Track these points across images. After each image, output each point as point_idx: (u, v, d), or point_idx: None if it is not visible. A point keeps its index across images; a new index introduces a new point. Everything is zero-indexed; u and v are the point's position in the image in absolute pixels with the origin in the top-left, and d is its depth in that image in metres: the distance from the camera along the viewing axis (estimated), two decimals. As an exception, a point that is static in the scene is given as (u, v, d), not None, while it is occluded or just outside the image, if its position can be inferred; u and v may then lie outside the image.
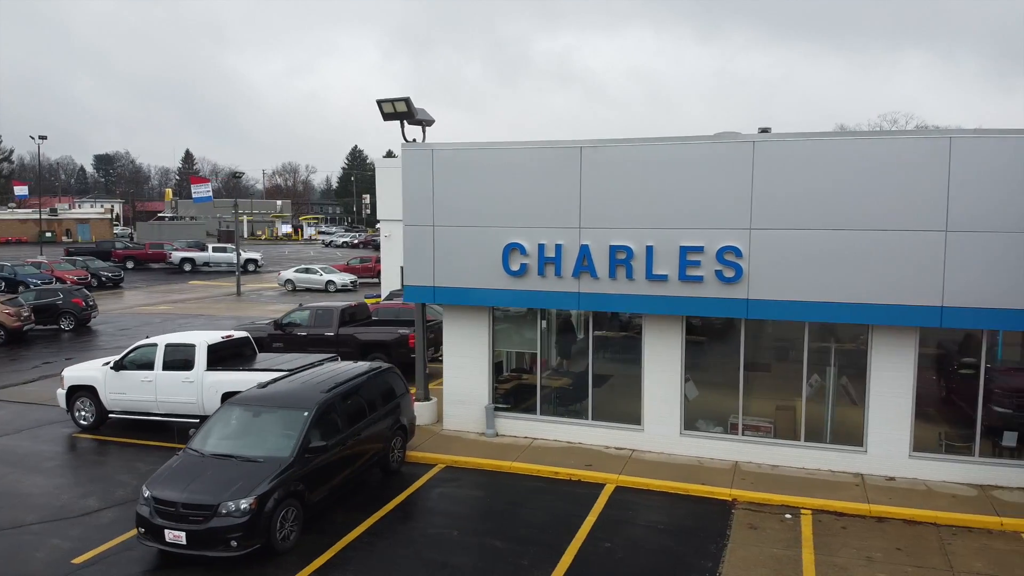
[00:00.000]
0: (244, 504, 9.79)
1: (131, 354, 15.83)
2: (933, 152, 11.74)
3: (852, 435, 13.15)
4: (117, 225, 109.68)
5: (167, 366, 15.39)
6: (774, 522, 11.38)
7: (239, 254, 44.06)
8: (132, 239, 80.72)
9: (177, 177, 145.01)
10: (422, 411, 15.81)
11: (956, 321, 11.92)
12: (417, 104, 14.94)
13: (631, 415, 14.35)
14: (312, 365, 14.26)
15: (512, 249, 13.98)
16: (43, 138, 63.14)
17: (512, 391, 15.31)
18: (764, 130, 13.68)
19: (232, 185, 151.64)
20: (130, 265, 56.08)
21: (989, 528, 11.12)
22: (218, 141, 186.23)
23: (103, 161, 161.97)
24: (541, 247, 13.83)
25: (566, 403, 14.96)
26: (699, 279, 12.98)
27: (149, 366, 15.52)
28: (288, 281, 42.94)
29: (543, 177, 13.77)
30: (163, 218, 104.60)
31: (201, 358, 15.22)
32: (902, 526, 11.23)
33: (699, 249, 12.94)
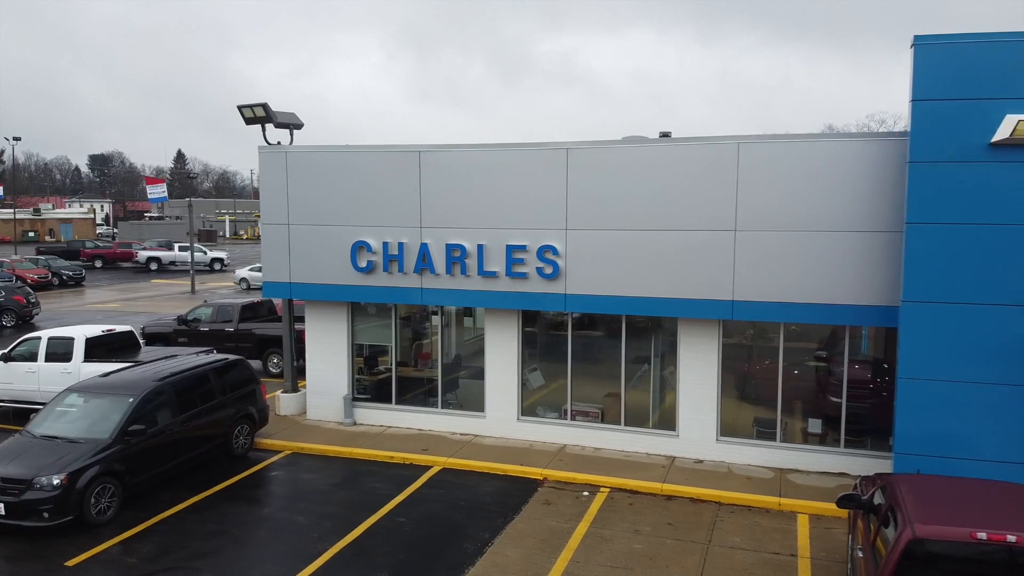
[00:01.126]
0: (56, 480, 10.73)
1: (18, 347, 16.80)
2: (722, 157, 12.63)
3: (669, 421, 14.06)
4: (104, 225, 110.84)
5: (48, 358, 16.36)
6: (570, 499, 12.28)
7: (192, 253, 45.07)
8: (114, 238, 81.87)
9: (169, 177, 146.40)
10: (289, 402, 16.77)
11: (745, 314, 12.80)
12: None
13: (476, 403, 15.27)
14: (171, 356, 15.20)
15: (360, 247, 14.89)
16: (17, 139, 64.21)
17: (375, 383, 16.23)
18: (664, 134, 14.55)
19: (222, 184, 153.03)
20: (98, 264, 57.12)
21: (767, 508, 11.99)
22: (219, 142, 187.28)
23: (97, 161, 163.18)
24: (386, 245, 14.74)
25: (419, 393, 15.88)
26: (524, 275, 13.89)
27: (33, 358, 16.49)
28: (243, 279, 43.89)
29: (387, 179, 14.67)
30: (152, 217, 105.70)
31: (79, 350, 16.19)
32: (687, 504, 12.12)
33: (523, 248, 13.85)
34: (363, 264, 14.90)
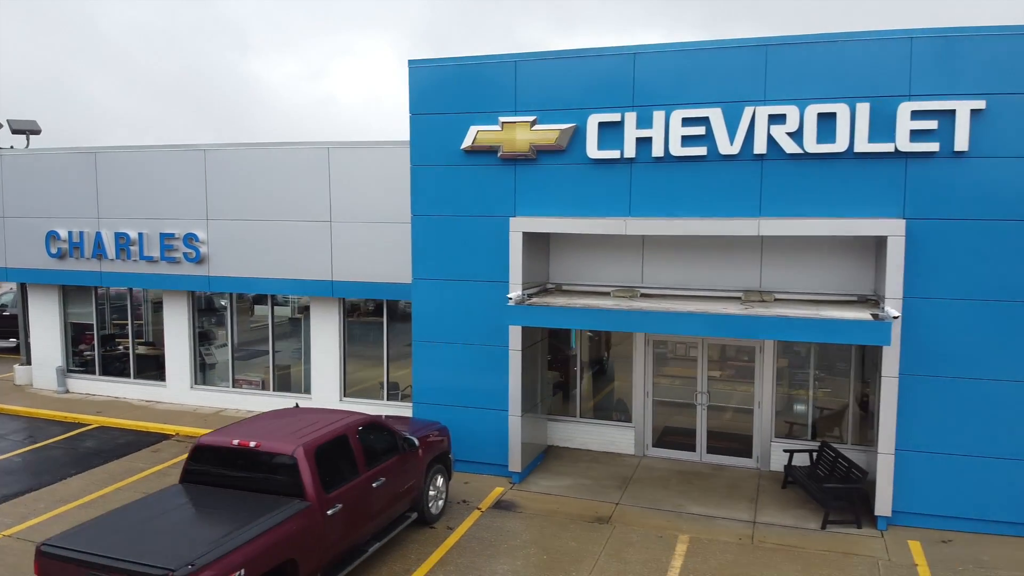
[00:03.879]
0: None
1: None
2: (318, 160, 14.82)
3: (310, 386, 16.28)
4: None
5: None
6: (178, 448, 14.43)
7: None
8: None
9: None
10: (22, 374, 18.98)
11: (343, 292, 15.01)
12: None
13: (162, 375, 17.46)
14: None
15: (52, 236, 17.04)
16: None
17: (85, 357, 18.37)
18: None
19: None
20: None
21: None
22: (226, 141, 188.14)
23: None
24: (70, 234, 16.89)
25: (120, 366, 18.04)
26: (175, 260, 16.07)
27: None
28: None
29: (72, 177, 16.82)
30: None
31: None
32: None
33: (173, 235, 16.03)
34: (54, 251, 17.06)
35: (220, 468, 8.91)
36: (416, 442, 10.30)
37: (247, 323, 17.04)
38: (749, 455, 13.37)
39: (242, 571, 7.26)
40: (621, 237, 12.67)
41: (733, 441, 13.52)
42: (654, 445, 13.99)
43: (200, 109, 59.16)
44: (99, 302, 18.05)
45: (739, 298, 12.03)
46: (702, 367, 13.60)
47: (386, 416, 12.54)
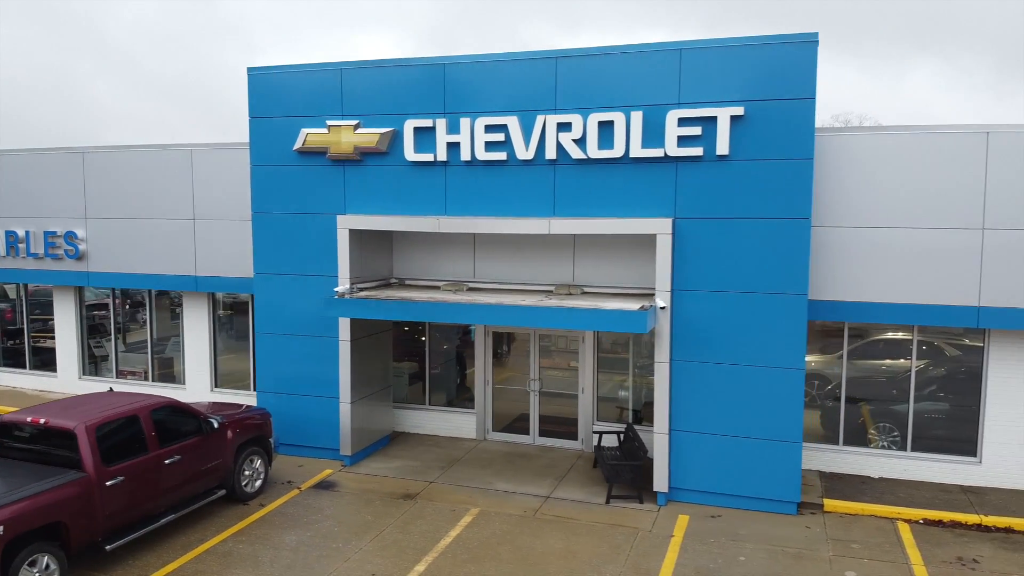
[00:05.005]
0: None
1: None
2: (182, 162, 15.64)
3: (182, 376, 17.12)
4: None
5: None
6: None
7: None
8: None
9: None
10: (-74, 365, 19.75)
11: (207, 287, 15.83)
12: None
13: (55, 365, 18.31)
14: None
15: (-54, 234, 17.86)
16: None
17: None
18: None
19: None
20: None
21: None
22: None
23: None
24: (-37, 232, 17.73)
25: (18, 357, 18.89)
26: (58, 256, 16.89)
27: None
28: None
29: (-33, 177, 17.64)
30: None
31: None
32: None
33: (55, 233, 16.85)
34: (-53, 248, 17.88)
35: (18, 442, 9.81)
36: (216, 424, 11.14)
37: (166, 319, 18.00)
38: (575, 438, 14.27)
39: (0, 528, 8.16)
40: (457, 235, 13.56)
41: (562, 425, 14.41)
42: (494, 430, 14.88)
43: (204, 110, 59.73)
44: (6, 298, 18.89)
45: (551, 291, 12.93)
46: (533, 356, 14.48)
47: (221, 402, 13.44)
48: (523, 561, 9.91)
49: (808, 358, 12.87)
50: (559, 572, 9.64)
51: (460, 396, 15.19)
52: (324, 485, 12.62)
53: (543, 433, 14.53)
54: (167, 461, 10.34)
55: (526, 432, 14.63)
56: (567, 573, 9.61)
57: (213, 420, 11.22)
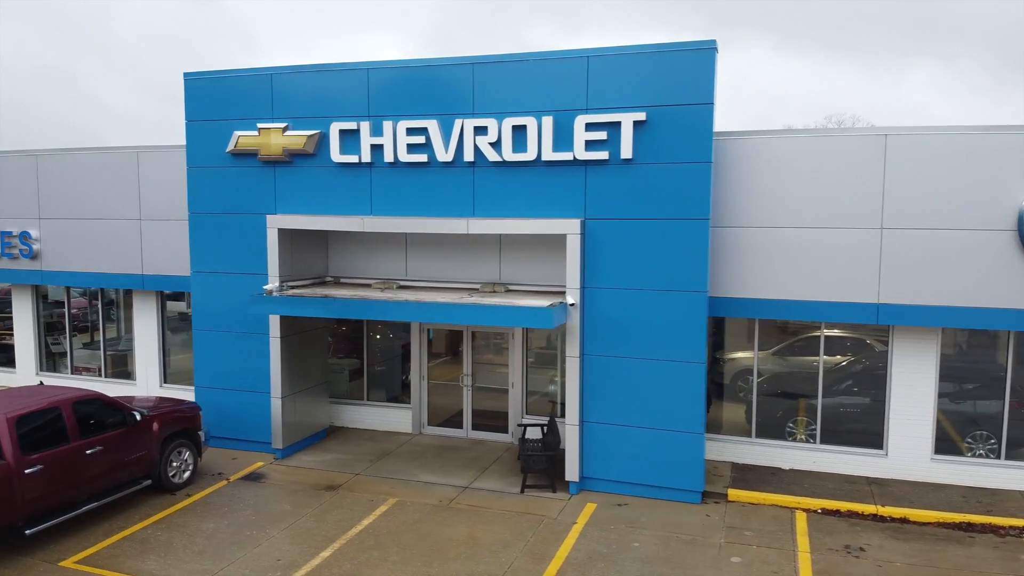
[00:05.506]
0: None
1: None
2: (128, 162, 16.06)
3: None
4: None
5: None
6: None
7: None
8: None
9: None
10: None
11: (152, 285, 16.26)
12: None
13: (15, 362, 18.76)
14: None
15: (-94, 233, 18.31)
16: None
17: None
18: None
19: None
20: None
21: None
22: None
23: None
24: (-78, 232, 18.17)
25: (-21, 353, 19.37)
26: (13, 256, 17.34)
27: None
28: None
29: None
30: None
31: None
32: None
33: (11, 233, 17.30)
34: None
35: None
36: (139, 417, 11.58)
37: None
38: (506, 431, 14.69)
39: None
40: (390, 234, 13.98)
41: (494, 419, 14.84)
42: (430, 424, 15.31)
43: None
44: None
45: (477, 289, 13.36)
46: (467, 353, 14.91)
47: (166, 397, 13.89)
48: (425, 547, 10.33)
49: (745, 354, 13.35)
50: (458, 556, 10.06)
51: (405, 392, 15.59)
52: (253, 477, 13.05)
53: (476, 427, 14.96)
54: (88, 451, 10.77)
55: (460, 426, 15.06)
56: (465, 557, 10.04)
57: (136, 413, 11.64)
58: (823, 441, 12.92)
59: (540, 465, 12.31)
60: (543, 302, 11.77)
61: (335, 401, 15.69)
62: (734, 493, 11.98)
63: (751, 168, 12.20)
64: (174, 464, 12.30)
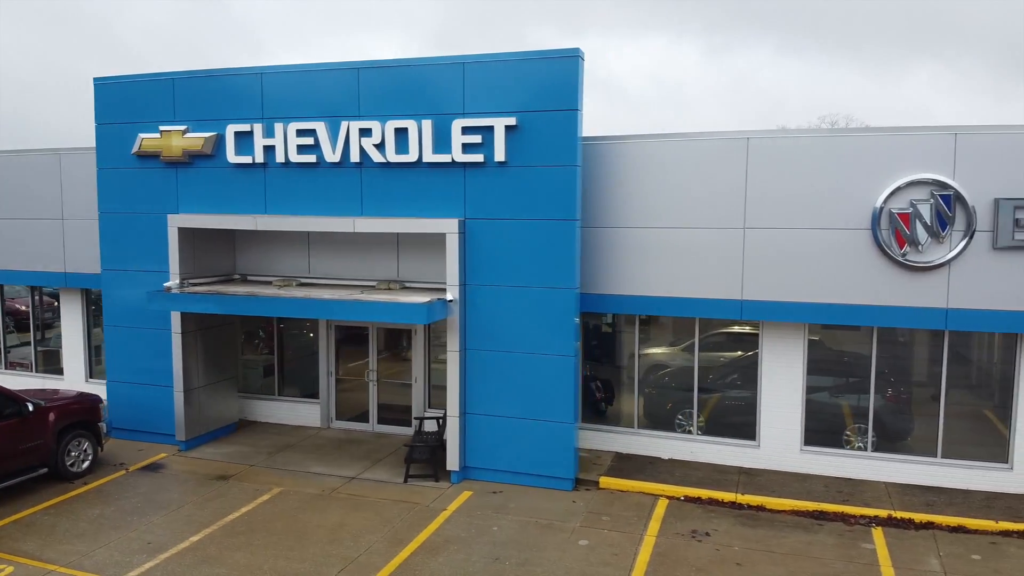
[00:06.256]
0: None
1: None
2: (51, 164, 16.54)
3: (56, 364, 18.02)
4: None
5: None
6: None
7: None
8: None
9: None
10: None
11: (76, 283, 16.72)
12: None
13: (-53, 357, 19.21)
14: None
15: None
16: None
17: None
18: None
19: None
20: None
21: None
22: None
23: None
24: None
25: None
26: (-59, 254, 17.81)
27: None
28: None
29: None
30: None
31: None
32: None
33: (-61, 232, 17.76)
34: None
35: None
36: (31, 408, 12.05)
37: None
38: (410, 424, 15.15)
39: None
40: (294, 233, 14.43)
41: (398, 412, 15.31)
42: (338, 418, 15.78)
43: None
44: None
45: (373, 286, 13.84)
46: (372, 348, 15.38)
47: (83, 391, 14.36)
48: (292, 532, 10.80)
49: (658, 349, 13.80)
50: (319, 541, 10.54)
51: (306, 386, 16.02)
52: (152, 467, 13.53)
53: (381, 421, 15.43)
54: (-24, 441, 11.25)
55: (367, 420, 15.53)
56: (327, 542, 10.51)
57: (30, 404, 12.11)
58: (707, 432, 13.40)
59: (422, 456, 12.78)
60: (423, 298, 12.25)
61: (249, 396, 16.16)
62: (606, 481, 12.47)
63: (627, 171, 12.69)
64: (72, 454, 12.77)
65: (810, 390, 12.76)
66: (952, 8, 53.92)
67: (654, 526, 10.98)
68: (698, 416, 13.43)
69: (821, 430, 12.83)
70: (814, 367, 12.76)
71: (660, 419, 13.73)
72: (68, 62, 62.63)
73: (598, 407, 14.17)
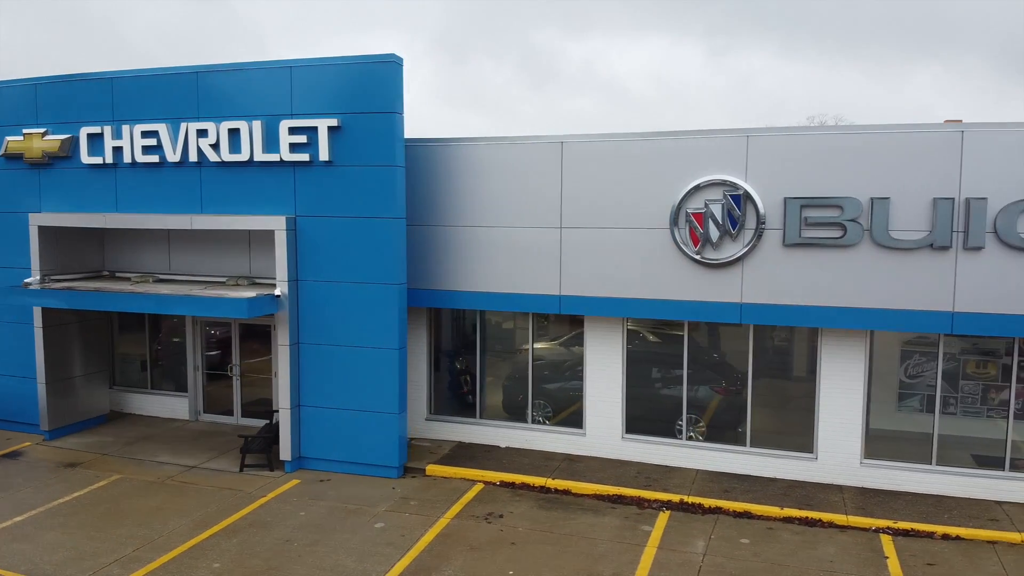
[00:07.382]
0: None
1: None
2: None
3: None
4: None
5: None
6: None
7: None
8: None
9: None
10: None
11: None
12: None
13: None
14: None
15: None
16: None
17: None
18: None
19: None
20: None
21: None
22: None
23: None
24: None
25: None
26: None
27: None
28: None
29: None
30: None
31: None
32: None
33: None
34: None
35: None
36: None
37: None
38: (271, 417, 15.67)
39: None
40: (156, 230, 14.95)
41: (262, 406, 15.82)
42: (206, 411, 16.30)
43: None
44: None
45: (223, 282, 14.35)
46: (235, 343, 15.91)
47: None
48: (110, 515, 11.33)
49: (540, 344, 14.28)
50: (131, 524, 11.06)
51: (178, 380, 16.54)
52: (12, 455, 14.04)
53: (246, 414, 15.95)
54: None
55: (232, 413, 16.05)
56: (137, 524, 11.04)
57: None
58: (550, 422, 13.94)
59: (258, 447, 13.32)
60: (249, 293, 12.79)
61: (125, 389, 16.69)
62: (432, 468, 13.01)
63: (457, 172, 13.25)
64: (-78, 443, 13.29)
65: (633, 381, 13.33)
66: (953, 8, 54.51)
67: (455, 509, 11.52)
68: (549, 407, 13.98)
69: (645, 418, 13.39)
70: (637, 358, 13.32)
71: (510, 410, 14.27)
72: (69, 62, 63.01)
73: (465, 400, 14.70)
